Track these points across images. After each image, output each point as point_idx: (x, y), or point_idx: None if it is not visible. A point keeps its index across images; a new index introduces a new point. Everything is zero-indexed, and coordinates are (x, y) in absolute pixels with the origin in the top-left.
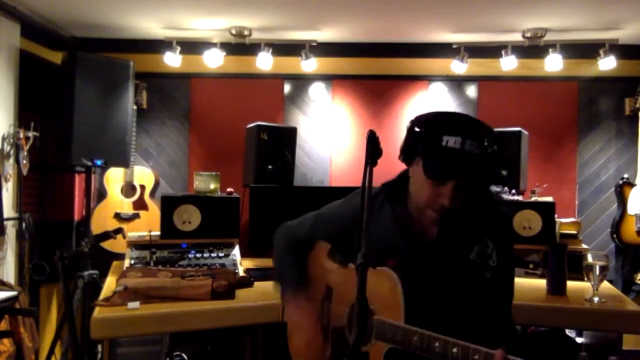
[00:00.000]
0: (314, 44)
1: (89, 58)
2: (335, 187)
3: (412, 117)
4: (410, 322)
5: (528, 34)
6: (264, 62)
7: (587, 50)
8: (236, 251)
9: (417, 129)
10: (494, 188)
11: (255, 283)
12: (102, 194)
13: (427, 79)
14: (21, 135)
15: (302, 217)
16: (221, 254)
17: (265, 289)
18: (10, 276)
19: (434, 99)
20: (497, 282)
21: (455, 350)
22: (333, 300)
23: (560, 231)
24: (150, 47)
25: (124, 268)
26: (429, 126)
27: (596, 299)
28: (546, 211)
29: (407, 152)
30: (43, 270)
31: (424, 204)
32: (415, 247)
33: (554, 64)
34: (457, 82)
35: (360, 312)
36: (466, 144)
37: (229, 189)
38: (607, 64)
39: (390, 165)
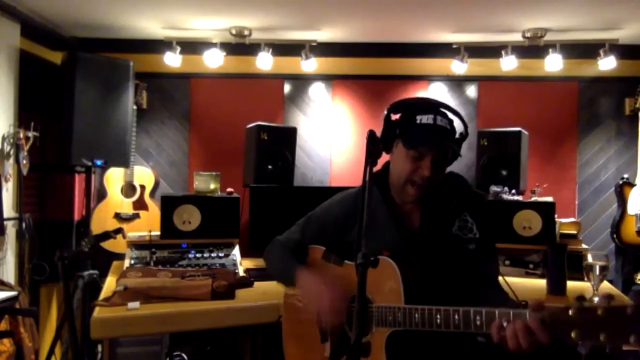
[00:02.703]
0: (314, 44)
1: (89, 58)
2: (335, 187)
3: (389, 105)
4: (410, 304)
5: (528, 34)
6: (264, 62)
7: (587, 50)
8: (236, 251)
9: (393, 115)
10: (494, 188)
11: (255, 283)
12: (102, 194)
13: (427, 79)
14: (21, 135)
15: (291, 228)
16: (221, 254)
17: (265, 289)
18: (10, 276)
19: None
20: (483, 253)
21: (456, 317)
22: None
23: (560, 231)
24: (150, 47)
25: (124, 268)
26: (404, 110)
27: (596, 299)
28: (546, 211)
29: (387, 138)
30: (43, 270)
31: (405, 179)
32: (403, 235)
33: (554, 64)
34: (457, 82)
35: (361, 311)
36: (437, 120)
37: (229, 189)
38: (607, 64)
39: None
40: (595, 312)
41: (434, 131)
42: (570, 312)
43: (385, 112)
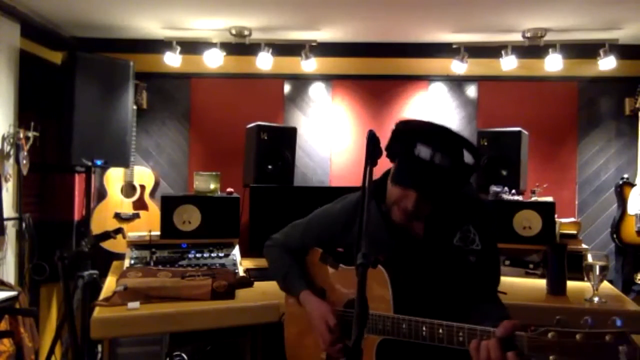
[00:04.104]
0: (314, 44)
1: (89, 58)
2: (335, 187)
3: (403, 119)
4: (400, 313)
5: (528, 34)
6: (264, 62)
7: (587, 50)
8: (236, 251)
9: (399, 132)
10: (494, 188)
11: (255, 283)
12: (102, 194)
13: (427, 79)
14: (21, 135)
15: (288, 228)
16: (221, 254)
17: (265, 289)
18: (10, 276)
19: (434, 99)
20: (483, 265)
21: (440, 331)
22: (327, 301)
23: (560, 231)
24: (150, 47)
25: (124, 268)
26: (410, 131)
27: (596, 299)
28: (546, 211)
29: (390, 151)
30: (43, 270)
31: (392, 202)
32: (401, 243)
33: (554, 64)
34: (457, 82)
35: (360, 312)
36: (436, 157)
37: (229, 189)
38: (607, 64)
39: (390, 165)
40: (573, 337)
41: (427, 172)
42: (549, 336)
43: (395, 126)
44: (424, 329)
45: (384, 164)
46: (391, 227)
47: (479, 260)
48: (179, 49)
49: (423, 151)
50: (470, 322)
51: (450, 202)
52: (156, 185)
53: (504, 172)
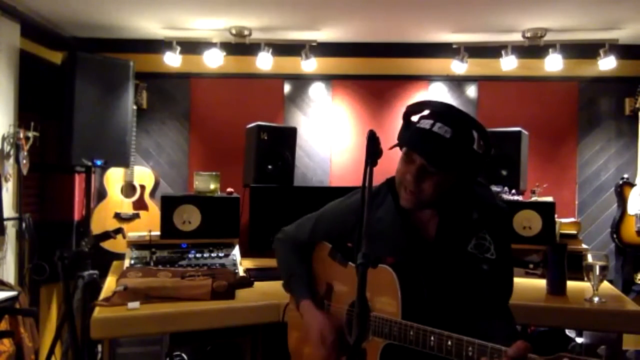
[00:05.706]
0: (314, 44)
1: (89, 58)
2: (335, 187)
3: (412, 102)
4: (408, 318)
5: (528, 34)
6: (264, 62)
7: (587, 50)
8: (236, 251)
9: (408, 114)
10: (494, 188)
11: (255, 283)
12: (102, 194)
13: (427, 79)
14: (21, 135)
15: (300, 221)
16: (221, 254)
17: (265, 289)
18: (10, 276)
19: (434, 99)
20: (496, 275)
21: (449, 343)
22: (332, 298)
23: (560, 231)
24: (150, 47)
25: (124, 268)
26: (416, 112)
27: (596, 299)
28: (546, 211)
29: (399, 137)
30: (43, 270)
31: (398, 182)
32: (414, 243)
33: (554, 64)
34: (457, 82)
35: (360, 311)
36: (435, 126)
37: (229, 189)
38: (607, 64)
39: (390, 165)
40: None
41: (424, 137)
42: None
43: (404, 111)
44: (432, 338)
45: (384, 164)
46: (406, 225)
47: (493, 270)
48: (179, 49)
49: (425, 122)
50: (477, 335)
51: (467, 204)
52: (156, 185)
53: (504, 172)
